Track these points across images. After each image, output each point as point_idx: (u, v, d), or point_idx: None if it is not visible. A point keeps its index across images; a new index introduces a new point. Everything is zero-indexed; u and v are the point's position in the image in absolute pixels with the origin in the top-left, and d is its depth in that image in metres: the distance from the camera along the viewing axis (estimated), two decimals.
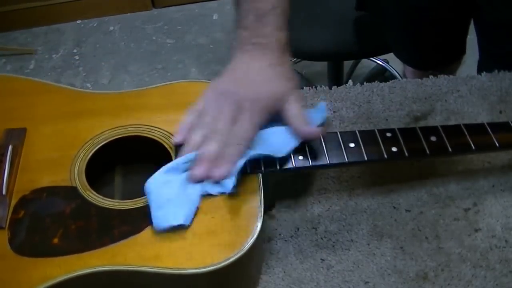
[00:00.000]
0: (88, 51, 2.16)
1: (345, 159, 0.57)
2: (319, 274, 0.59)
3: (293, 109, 0.59)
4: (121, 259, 0.50)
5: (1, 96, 0.64)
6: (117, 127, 0.60)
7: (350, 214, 0.64)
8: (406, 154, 0.58)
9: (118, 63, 2.09)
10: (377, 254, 0.60)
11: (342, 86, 0.76)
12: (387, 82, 0.76)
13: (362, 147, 0.58)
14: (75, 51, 2.17)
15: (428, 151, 0.59)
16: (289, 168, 0.57)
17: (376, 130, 0.60)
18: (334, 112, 0.73)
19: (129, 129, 0.60)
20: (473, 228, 0.62)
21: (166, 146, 0.59)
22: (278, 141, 0.58)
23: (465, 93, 0.75)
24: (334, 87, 0.76)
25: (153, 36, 2.17)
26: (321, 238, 0.62)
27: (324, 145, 0.58)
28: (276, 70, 0.61)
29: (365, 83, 0.76)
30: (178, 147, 0.58)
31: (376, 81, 0.76)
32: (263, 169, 0.56)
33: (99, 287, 0.52)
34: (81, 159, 0.57)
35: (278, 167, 0.56)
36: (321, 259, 0.60)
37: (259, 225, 0.52)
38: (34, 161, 0.57)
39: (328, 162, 0.57)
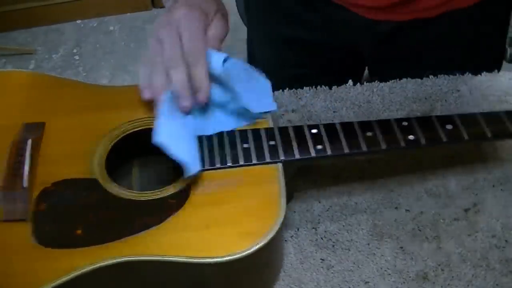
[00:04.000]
0: (88, 51, 2.16)
1: (363, 147, 0.58)
2: (319, 274, 0.59)
3: (215, 28, 0.60)
4: (143, 249, 0.50)
5: (19, 91, 0.64)
6: (135, 119, 0.61)
7: (350, 214, 0.64)
8: (423, 142, 0.58)
9: (118, 63, 2.09)
10: (377, 254, 0.60)
11: (342, 86, 0.76)
12: (387, 82, 0.76)
13: (380, 136, 0.58)
14: (75, 51, 2.17)
15: (444, 139, 0.59)
16: (309, 157, 0.57)
17: (392, 119, 0.60)
18: (334, 112, 0.73)
19: (147, 121, 0.60)
20: (473, 228, 0.62)
21: None
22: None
23: (465, 93, 0.75)
24: (334, 87, 0.76)
25: None
26: (321, 238, 0.62)
27: (342, 134, 0.58)
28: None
29: (365, 83, 0.77)
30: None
31: (376, 81, 0.76)
32: (283, 158, 0.56)
33: (121, 278, 0.52)
34: (101, 151, 0.58)
35: (298, 156, 0.57)
36: (321, 259, 0.60)
37: (282, 214, 0.52)
38: (54, 155, 0.58)
39: (348, 151, 0.57)
